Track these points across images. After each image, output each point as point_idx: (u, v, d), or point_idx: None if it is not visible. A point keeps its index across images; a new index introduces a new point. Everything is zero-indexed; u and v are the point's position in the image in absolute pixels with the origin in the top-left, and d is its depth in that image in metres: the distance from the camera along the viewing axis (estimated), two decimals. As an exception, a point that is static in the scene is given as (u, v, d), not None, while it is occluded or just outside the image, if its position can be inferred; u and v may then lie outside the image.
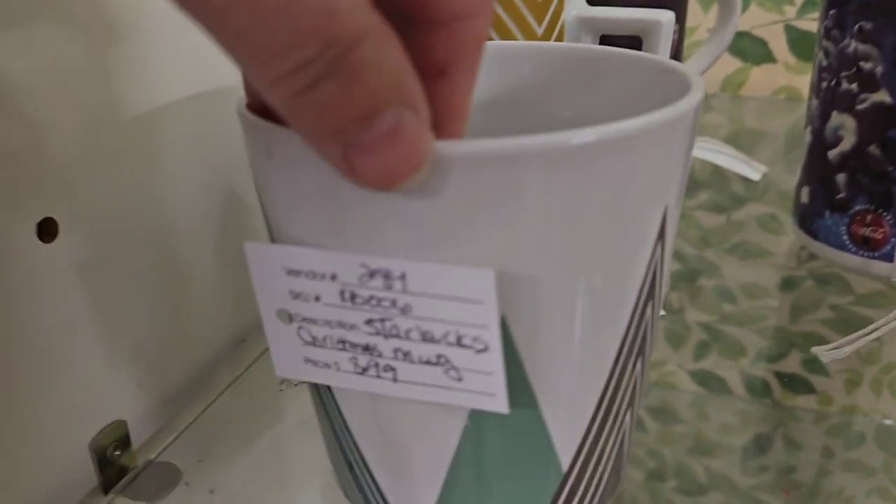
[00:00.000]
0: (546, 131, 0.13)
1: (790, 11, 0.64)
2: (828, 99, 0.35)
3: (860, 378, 0.30)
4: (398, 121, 0.11)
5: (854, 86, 0.34)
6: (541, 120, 0.21)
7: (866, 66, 0.33)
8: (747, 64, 0.66)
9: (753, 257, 0.41)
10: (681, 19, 0.43)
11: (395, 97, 0.11)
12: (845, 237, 0.35)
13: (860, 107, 0.34)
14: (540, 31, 0.30)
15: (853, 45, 0.33)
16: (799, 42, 0.64)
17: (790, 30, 0.64)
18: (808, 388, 0.30)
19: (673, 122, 0.15)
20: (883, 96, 0.33)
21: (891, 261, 0.34)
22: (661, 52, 0.29)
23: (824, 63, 0.35)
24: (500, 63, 0.21)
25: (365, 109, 0.11)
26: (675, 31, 0.43)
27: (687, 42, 0.67)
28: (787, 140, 0.64)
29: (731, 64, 0.67)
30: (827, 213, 0.36)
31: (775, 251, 0.42)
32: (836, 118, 0.35)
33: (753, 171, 0.49)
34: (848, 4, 0.33)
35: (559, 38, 0.30)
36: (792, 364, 0.31)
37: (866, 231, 0.35)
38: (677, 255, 0.42)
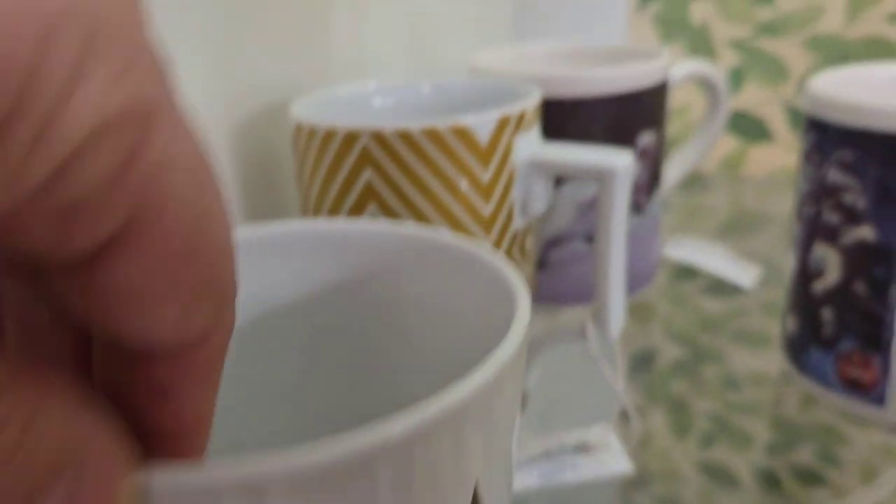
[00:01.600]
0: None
1: (788, 90, 0.61)
2: (810, 227, 0.33)
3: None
4: (68, 494, 0.10)
5: (836, 217, 0.31)
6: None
7: (848, 198, 0.30)
8: (745, 144, 0.64)
9: (757, 344, 0.41)
10: (660, 130, 0.41)
11: (57, 470, 0.10)
12: (832, 376, 0.33)
13: (844, 241, 0.31)
14: (487, 176, 0.28)
15: (833, 175, 0.31)
16: (799, 121, 0.62)
17: (789, 108, 0.62)
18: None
19: (465, 406, 0.11)
20: (867, 233, 0.30)
21: (881, 404, 0.32)
22: (618, 203, 0.27)
23: (805, 188, 0.33)
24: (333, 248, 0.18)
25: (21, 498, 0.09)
26: (654, 145, 0.41)
27: (677, 123, 0.65)
28: (790, 221, 0.61)
29: (728, 143, 0.64)
30: (812, 348, 0.33)
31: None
32: (820, 249, 0.32)
33: (746, 276, 0.47)
34: (826, 131, 0.31)
35: (508, 185, 0.28)
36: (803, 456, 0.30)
37: (854, 372, 0.32)
38: (679, 341, 0.42)
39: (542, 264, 0.41)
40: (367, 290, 0.18)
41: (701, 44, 0.62)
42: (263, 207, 0.35)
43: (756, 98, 0.62)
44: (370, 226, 0.18)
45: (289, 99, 0.36)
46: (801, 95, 0.61)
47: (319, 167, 0.28)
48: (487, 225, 0.28)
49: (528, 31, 0.65)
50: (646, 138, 0.40)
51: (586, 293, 0.41)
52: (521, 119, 0.28)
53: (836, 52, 0.59)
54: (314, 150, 0.28)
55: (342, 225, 0.18)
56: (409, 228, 0.17)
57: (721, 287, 0.47)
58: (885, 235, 0.30)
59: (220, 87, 0.32)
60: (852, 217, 0.30)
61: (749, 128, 0.63)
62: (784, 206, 0.65)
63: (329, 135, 0.27)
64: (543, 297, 0.42)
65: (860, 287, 0.31)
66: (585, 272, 0.40)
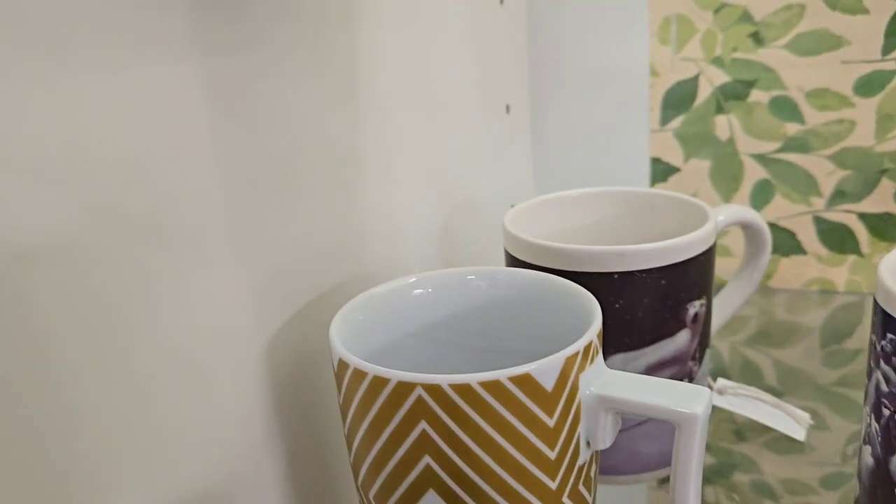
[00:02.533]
0: None
1: (818, 203, 0.59)
2: (892, 430, 0.30)
3: None
4: None
5: (925, 430, 0.29)
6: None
7: (939, 413, 0.28)
8: (776, 255, 0.62)
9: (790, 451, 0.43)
10: (709, 295, 0.39)
11: None
12: None
13: (935, 455, 0.28)
14: (552, 422, 0.25)
15: (921, 386, 0.28)
16: (829, 234, 0.60)
17: (819, 221, 0.60)
18: None
19: None
20: (963, 451, 0.28)
21: None
22: (697, 447, 0.25)
23: (884, 388, 0.31)
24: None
25: None
26: (703, 308, 0.38)
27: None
28: (823, 335, 0.59)
29: (758, 255, 0.62)
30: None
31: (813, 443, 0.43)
32: (905, 458, 0.30)
33: (798, 427, 0.44)
34: (911, 336, 0.28)
35: (574, 425, 0.26)
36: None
37: None
38: (708, 449, 0.44)
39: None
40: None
41: (727, 158, 0.60)
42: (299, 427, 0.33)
43: (785, 210, 0.60)
44: None
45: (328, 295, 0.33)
46: (832, 209, 0.59)
47: (367, 412, 0.26)
48: (552, 468, 0.26)
49: (548, 150, 0.63)
50: (696, 306, 0.38)
51: (640, 464, 0.39)
52: (587, 353, 0.26)
53: (867, 165, 0.57)
54: (360, 395, 0.25)
55: None
56: None
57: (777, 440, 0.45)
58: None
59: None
60: (945, 434, 0.28)
61: (779, 240, 0.61)
62: (817, 317, 0.63)
63: (379, 381, 0.25)
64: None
65: (956, 507, 0.28)
66: (636, 440, 0.38)
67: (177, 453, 0.27)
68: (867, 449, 0.32)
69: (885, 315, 0.30)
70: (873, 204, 0.58)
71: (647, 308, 0.36)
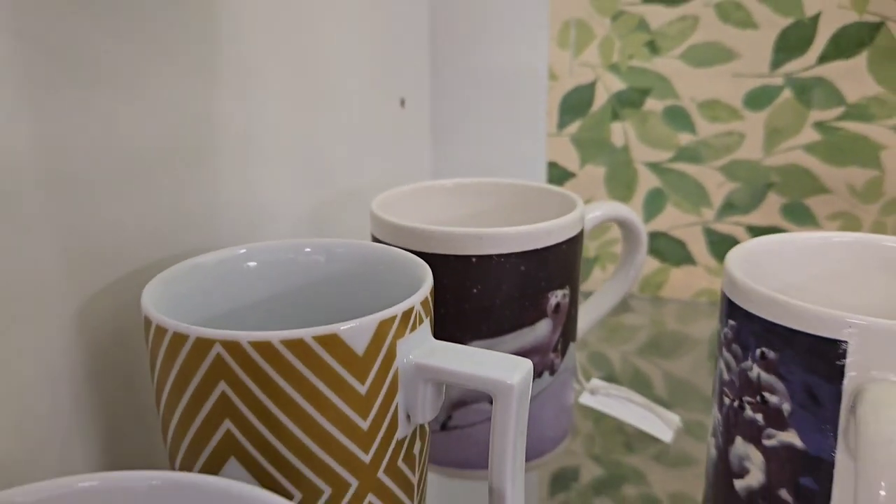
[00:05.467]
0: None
1: (708, 214, 0.60)
2: (731, 419, 0.30)
3: None
4: None
5: (759, 416, 0.28)
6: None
7: (772, 398, 0.28)
8: (666, 265, 0.62)
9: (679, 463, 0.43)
10: (573, 286, 0.38)
11: None
12: (758, 587, 0.29)
13: (767, 442, 0.28)
14: (364, 388, 0.24)
15: (756, 371, 0.28)
16: (719, 245, 0.60)
17: (709, 232, 0.60)
18: None
19: None
20: (792, 437, 0.27)
21: None
22: (514, 418, 0.23)
23: (725, 376, 0.30)
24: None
25: None
26: (566, 298, 0.38)
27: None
28: (711, 346, 0.59)
29: (650, 264, 0.62)
30: (736, 554, 0.30)
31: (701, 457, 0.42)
32: (742, 446, 0.29)
33: (666, 427, 0.44)
34: (749, 321, 0.28)
35: (389, 394, 0.24)
36: None
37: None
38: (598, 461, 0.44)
39: (445, 426, 0.37)
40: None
41: (621, 165, 0.61)
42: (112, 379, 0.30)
43: (676, 220, 0.61)
44: None
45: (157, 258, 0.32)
46: (721, 220, 0.59)
47: (169, 371, 0.24)
48: (365, 439, 0.24)
49: (446, 145, 0.62)
50: (558, 296, 0.37)
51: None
52: (406, 319, 0.24)
53: (755, 178, 0.58)
54: (163, 349, 0.24)
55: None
56: None
57: (641, 438, 0.45)
58: (813, 446, 0.27)
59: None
60: (777, 421, 0.27)
61: (669, 250, 0.61)
62: (706, 328, 0.63)
63: (179, 338, 0.23)
64: (448, 461, 0.38)
65: (786, 495, 0.28)
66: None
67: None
68: (712, 441, 0.32)
69: (728, 301, 0.30)
70: (761, 217, 0.59)
71: (506, 295, 0.35)
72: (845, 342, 0.25)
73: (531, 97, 0.61)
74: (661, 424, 0.44)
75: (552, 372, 0.38)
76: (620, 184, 0.61)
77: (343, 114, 0.48)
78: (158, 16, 0.31)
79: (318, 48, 0.44)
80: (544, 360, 0.37)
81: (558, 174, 0.62)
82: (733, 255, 0.31)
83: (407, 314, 0.24)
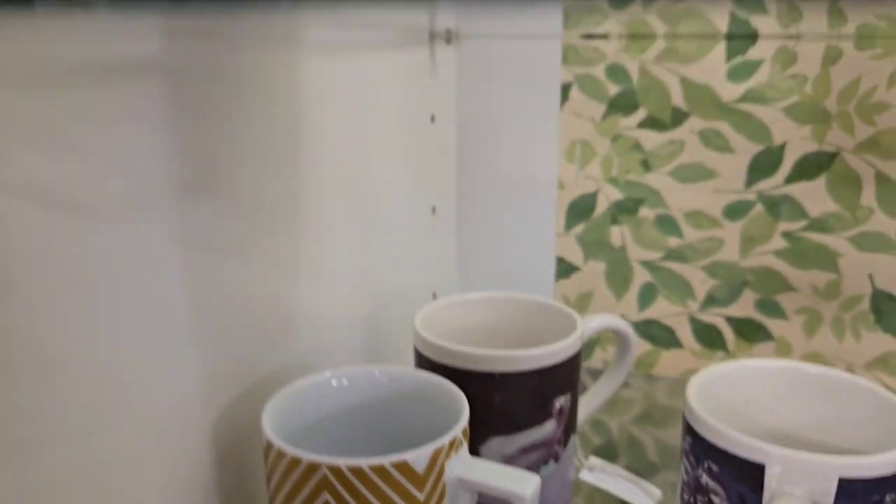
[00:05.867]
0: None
1: (693, 306, 0.70)
2: (687, 513, 0.40)
3: None
4: None
5: (708, 512, 0.38)
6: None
7: (715, 499, 0.38)
8: (657, 347, 0.72)
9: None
10: (574, 390, 0.48)
11: None
12: None
13: (714, 532, 0.38)
14: (422, 497, 0.34)
15: (705, 479, 0.38)
16: (702, 332, 0.70)
17: (693, 321, 0.70)
18: None
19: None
20: (731, 530, 0.37)
21: None
22: (528, 520, 0.34)
23: (685, 477, 0.40)
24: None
25: None
26: (567, 402, 0.48)
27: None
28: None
29: (643, 346, 0.72)
30: None
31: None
32: (696, 532, 0.39)
33: (649, 500, 0.54)
34: (699, 440, 0.38)
35: (441, 495, 0.35)
36: None
37: None
38: None
39: None
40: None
41: (619, 262, 0.71)
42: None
43: (665, 310, 0.71)
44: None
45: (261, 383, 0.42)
46: (704, 311, 0.70)
47: (284, 483, 0.34)
48: (422, 531, 0.34)
49: (471, 247, 0.72)
50: (561, 401, 0.47)
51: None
52: (452, 445, 0.35)
53: (732, 277, 0.68)
54: (281, 469, 0.34)
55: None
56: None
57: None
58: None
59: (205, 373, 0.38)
60: (719, 516, 0.37)
61: (660, 335, 0.72)
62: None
63: (294, 461, 0.33)
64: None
65: (727, 571, 0.38)
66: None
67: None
68: None
69: (686, 422, 0.40)
70: (738, 309, 0.69)
71: (521, 402, 0.45)
72: (763, 464, 0.35)
73: (543, 203, 0.71)
74: (643, 496, 0.54)
75: (556, 460, 0.48)
76: (618, 278, 0.71)
77: (385, 224, 0.59)
78: (267, 201, 0.41)
79: (369, 178, 0.55)
80: (550, 451, 0.47)
81: (565, 268, 0.72)
82: (692, 383, 0.41)
83: (453, 441, 0.35)
